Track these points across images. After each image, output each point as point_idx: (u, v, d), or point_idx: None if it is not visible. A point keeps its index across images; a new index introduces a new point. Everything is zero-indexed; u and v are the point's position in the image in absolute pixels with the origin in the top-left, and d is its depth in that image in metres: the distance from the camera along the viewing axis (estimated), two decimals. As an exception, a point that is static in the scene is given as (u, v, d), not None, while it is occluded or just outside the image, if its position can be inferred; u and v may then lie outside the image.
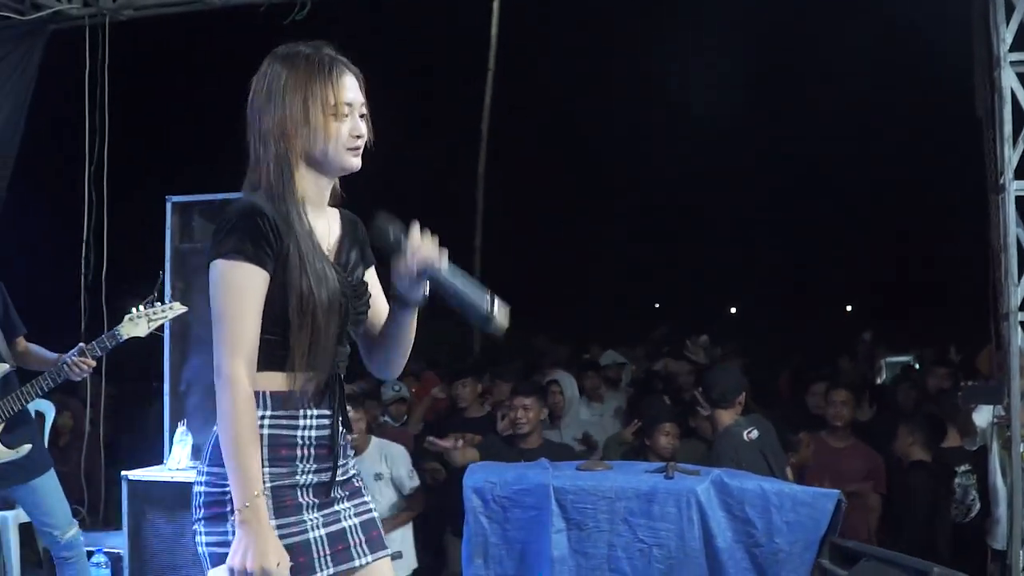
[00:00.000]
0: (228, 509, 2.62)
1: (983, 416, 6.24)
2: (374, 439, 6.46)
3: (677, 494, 4.78)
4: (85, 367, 5.01)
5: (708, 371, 6.85)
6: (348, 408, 2.91)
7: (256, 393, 2.65)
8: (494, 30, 13.95)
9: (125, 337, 5.03)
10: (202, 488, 2.71)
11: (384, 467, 6.33)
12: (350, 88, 2.78)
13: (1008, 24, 5.80)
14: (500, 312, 2.66)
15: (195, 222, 5.87)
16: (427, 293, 2.76)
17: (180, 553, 5.52)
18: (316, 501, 2.76)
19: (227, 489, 2.60)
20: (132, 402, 9.86)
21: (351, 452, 2.93)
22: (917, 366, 11.83)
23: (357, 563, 2.81)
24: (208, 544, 2.69)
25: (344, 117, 2.76)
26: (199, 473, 2.74)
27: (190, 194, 5.95)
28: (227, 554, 2.59)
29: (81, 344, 5.03)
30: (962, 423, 6.50)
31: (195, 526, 2.73)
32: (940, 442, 6.76)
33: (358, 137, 2.78)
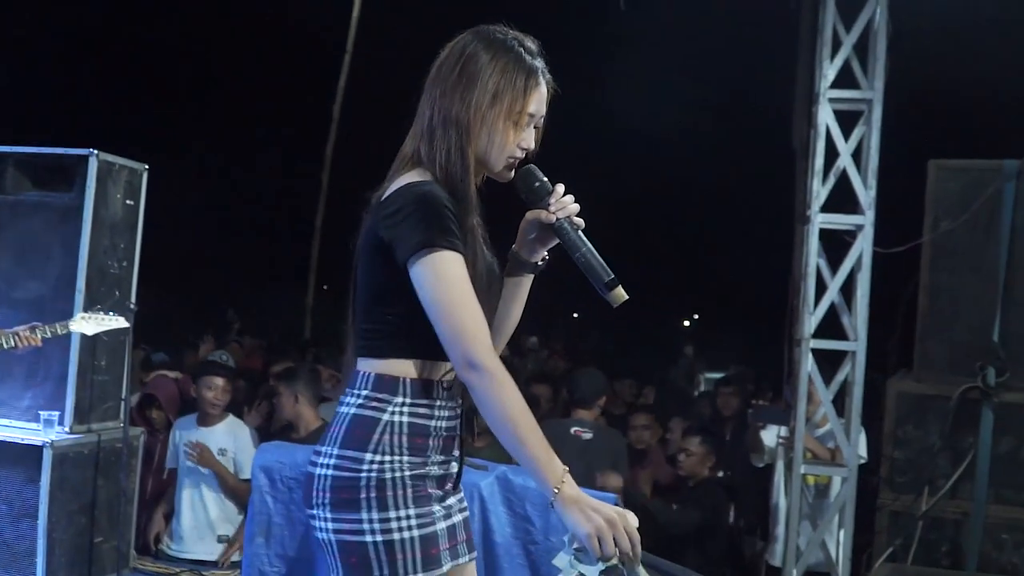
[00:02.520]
0: (363, 496, 2.53)
1: (771, 436, 6.50)
2: (230, 416, 6.50)
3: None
4: (31, 344, 4.95)
5: (574, 373, 7.03)
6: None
7: (397, 379, 2.60)
8: (356, 11, 13.89)
9: (72, 332, 5.13)
10: (329, 472, 2.57)
11: (230, 444, 6.36)
12: (538, 99, 2.66)
13: (832, 60, 6.03)
14: (619, 286, 2.63)
15: (8, 174, 5.72)
16: (547, 257, 2.72)
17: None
18: (440, 493, 2.67)
19: (361, 475, 2.53)
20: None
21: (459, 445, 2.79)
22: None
23: (462, 560, 2.73)
24: (336, 531, 2.56)
25: (522, 127, 2.65)
26: (325, 456, 2.60)
27: (5, 145, 5.79)
28: (359, 542, 2.53)
29: (35, 322, 4.98)
30: (751, 440, 6.75)
31: (316, 511, 2.59)
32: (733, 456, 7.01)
33: (524, 149, 2.66)
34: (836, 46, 6.05)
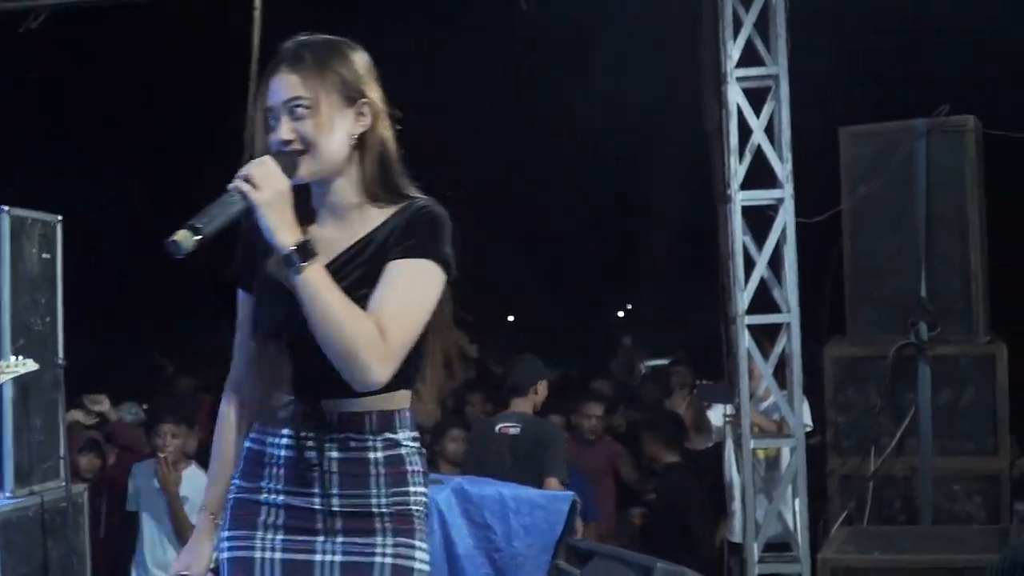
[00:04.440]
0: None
1: (717, 414, 6.56)
2: (194, 465, 6.37)
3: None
4: None
5: (511, 360, 6.94)
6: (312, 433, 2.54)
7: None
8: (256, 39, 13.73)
9: None
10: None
11: (192, 494, 6.23)
12: (274, 91, 2.49)
13: (736, 40, 6.09)
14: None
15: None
16: (296, 261, 2.36)
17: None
18: (273, 522, 2.54)
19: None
20: None
21: (386, 481, 2.54)
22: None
23: None
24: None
25: (273, 125, 2.48)
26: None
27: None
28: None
29: None
30: (697, 420, 6.82)
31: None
32: (683, 440, 7.03)
33: (286, 142, 2.46)
34: (738, 26, 6.11)
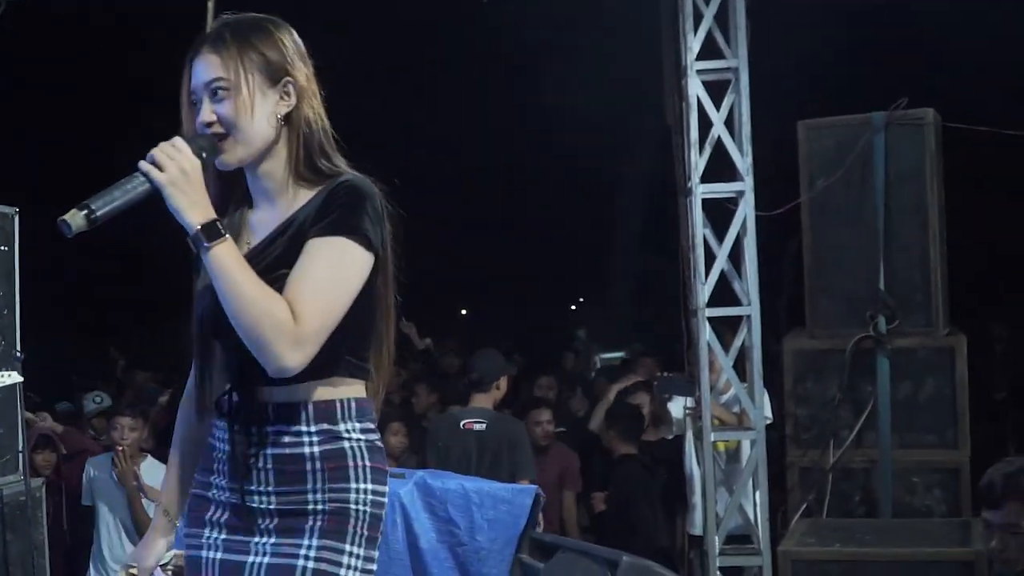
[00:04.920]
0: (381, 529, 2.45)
1: (678, 407, 6.58)
2: (150, 458, 6.34)
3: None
4: None
5: (472, 355, 6.86)
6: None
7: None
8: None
9: None
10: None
11: (152, 484, 6.16)
12: (195, 72, 2.42)
13: (696, 33, 6.10)
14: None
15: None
16: (202, 241, 2.29)
17: None
18: (217, 518, 2.48)
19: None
20: None
21: (323, 475, 2.41)
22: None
23: None
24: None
25: (196, 108, 2.42)
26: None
27: None
28: None
29: None
30: (657, 412, 6.83)
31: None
32: (640, 433, 7.03)
33: (207, 124, 2.40)
34: (698, 19, 6.12)
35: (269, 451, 2.41)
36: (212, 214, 2.31)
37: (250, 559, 2.41)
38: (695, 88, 6.09)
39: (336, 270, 2.34)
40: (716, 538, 5.94)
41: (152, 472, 6.19)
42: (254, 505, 2.42)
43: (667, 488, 7.01)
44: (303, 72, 2.47)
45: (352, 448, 2.42)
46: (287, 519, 2.40)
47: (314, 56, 2.55)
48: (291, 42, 2.49)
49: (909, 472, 5.95)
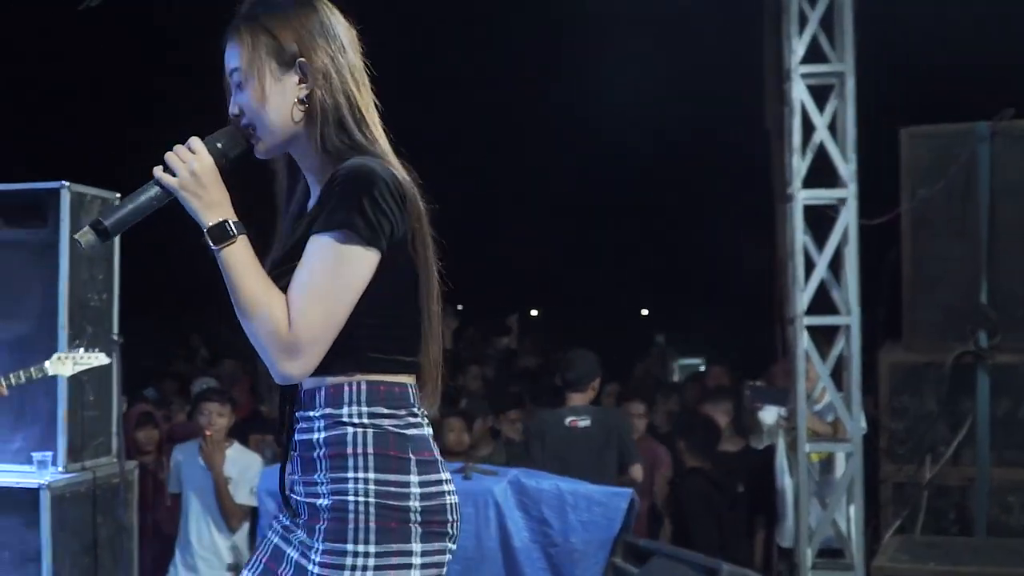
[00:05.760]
0: (411, 519, 2.29)
1: (770, 415, 6.47)
2: (237, 444, 6.33)
3: (475, 495, 4.80)
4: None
5: (564, 355, 6.78)
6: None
7: None
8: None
9: (50, 374, 4.93)
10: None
11: (234, 472, 6.19)
12: (226, 59, 2.41)
13: (801, 36, 6.00)
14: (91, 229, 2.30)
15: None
16: (210, 242, 2.30)
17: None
18: (285, 510, 2.44)
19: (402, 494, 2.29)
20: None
21: (326, 464, 2.32)
22: (703, 368, 12.18)
23: None
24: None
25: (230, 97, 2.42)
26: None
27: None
28: None
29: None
30: (748, 421, 6.71)
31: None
32: (714, 446, 6.90)
33: (235, 116, 2.40)
34: (803, 22, 6.02)
35: (296, 437, 2.36)
36: (224, 214, 2.29)
37: (289, 551, 2.38)
38: (799, 92, 5.98)
39: (331, 272, 2.24)
40: (808, 551, 5.82)
41: (238, 459, 6.21)
42: (291, 495, 2.38)
43: (749, 500, 6.89)
44: (323, 50, 2.36)
45: (355, 434, 2.29)
46: (311, 514, 2.32)
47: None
48: (310, 20, 2.39)
49: (1005, 491, 5.83)
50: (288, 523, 2.40)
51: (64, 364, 4.98)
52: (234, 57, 2.38)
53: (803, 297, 5.89)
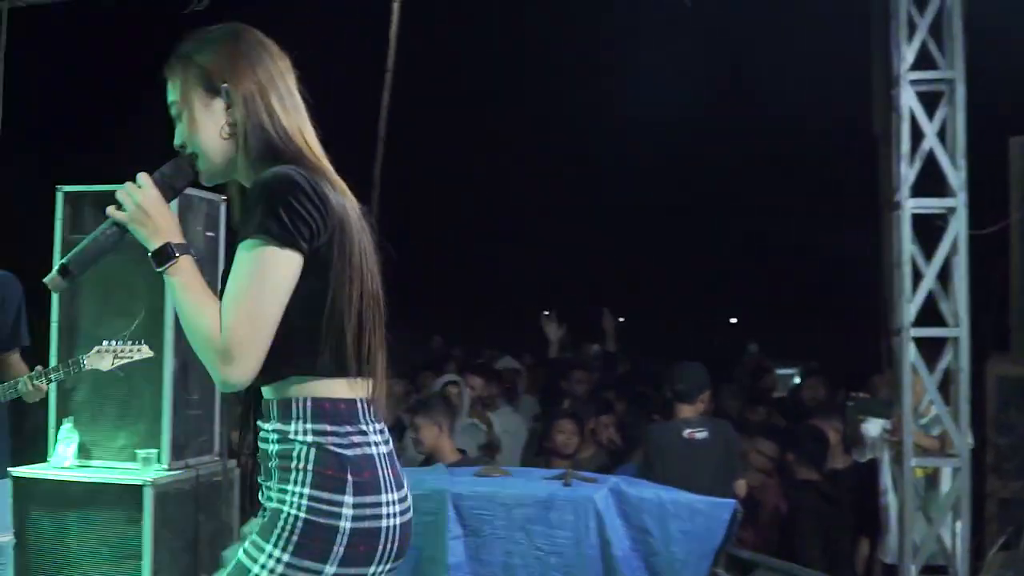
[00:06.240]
0: (335, 540, 2.32)
1: (874, 428, 6.34)
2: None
3: (575, 502, 4.77)
4: (40, 391, 4.81)
5: (675, 366, 6.74)
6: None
7: None
8: (394, 28, 13.80)
9: (88, 368, 4.86)
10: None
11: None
12: (168, 94, 2.55)
13: (910, 43, 5.89)
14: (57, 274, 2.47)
15: (86, 212, 5.69)
16: (156, 266, 2.45)
17: (64, 552, 5.35)
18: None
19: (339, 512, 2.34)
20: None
21: (276, 474, 2.40)
22: (798, 379, 11.99)
23: None
24: None
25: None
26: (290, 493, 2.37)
27: (83, 184, 5.76)
28: None
29: (39, 367, 4.84)
30: (851, 434, 6.58)
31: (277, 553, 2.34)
32: (824, 458, 6.80)
33: (179, 147, 2.54)
34: (912, 28, 5.90)
35: (259, 444, 2.48)
36: (167, 238, 2.43)
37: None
38: (907, 99, 5.87)
39: (250, 275, 2.33)
40: (913, 567, 5.68)
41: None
42: (260, 498, 2.48)
43: (852, 515, 6.76)
44: (248, 77, 2.48)
45: (299, 451, 2.37)
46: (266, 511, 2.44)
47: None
48: (237, 50, 2.51)
49: (1112, 509, 5.68)
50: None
51: (103, 358, 4.84)
52: (171, 91, 2.53)
53: (910, 308, 5.76)
